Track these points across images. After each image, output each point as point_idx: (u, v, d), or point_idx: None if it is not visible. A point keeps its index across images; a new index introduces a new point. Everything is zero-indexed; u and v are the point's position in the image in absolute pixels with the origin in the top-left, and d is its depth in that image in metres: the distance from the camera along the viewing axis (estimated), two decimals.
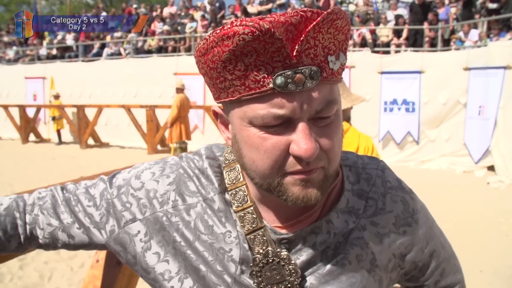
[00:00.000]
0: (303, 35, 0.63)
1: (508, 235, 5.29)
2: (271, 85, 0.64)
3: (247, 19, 0.62)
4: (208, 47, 0.66)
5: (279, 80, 0.64)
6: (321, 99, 0.67)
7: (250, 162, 0.73)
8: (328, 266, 0.81)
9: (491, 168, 8.75)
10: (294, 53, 0.63)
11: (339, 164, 0.84)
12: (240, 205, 0.82)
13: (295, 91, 0.65)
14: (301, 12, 0.63)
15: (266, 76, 0.64)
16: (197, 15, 14.92)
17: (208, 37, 0.66)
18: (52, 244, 0.90)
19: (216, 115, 0.82)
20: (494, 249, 4.83)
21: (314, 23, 0.62)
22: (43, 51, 17.09)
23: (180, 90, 9.77)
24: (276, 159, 0.69)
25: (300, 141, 0.66)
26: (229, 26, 0.63)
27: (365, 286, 0.82)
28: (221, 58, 0.65)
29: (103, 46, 15.97)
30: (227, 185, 0.84)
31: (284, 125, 0.68)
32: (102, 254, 1.58)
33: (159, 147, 11.80)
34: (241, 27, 0.61)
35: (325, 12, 0.63)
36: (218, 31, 0.64)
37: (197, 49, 0.70)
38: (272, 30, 0.61)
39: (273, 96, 0.66)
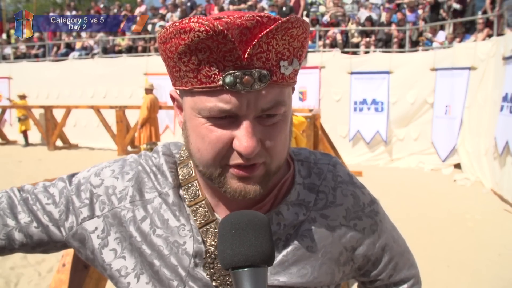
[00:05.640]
0: (256, 40, 0.65)
1: (474, 231, 5.44)
2: (220, 82, 0.67)
3: (203, 17, 0.65)
4: (168, 37, 0.69)
5: (228, 79, 0.67)
6: (269, 100, 0.70)
7: (195, 150, 0.76)
8: (279, 258, 0.83)
9: (457, 166, 9.01)
10: (246, 56, 0.66)
11: (291, 158, 0.89)
12: (192, 199, 0.85)
13: (243, 91, 0.68)
14: (257, 17, 0.65)
15: (217, 73, 0.67)
16: (168, 14, 14.79)
17: (168, 27, 0.68)
18: (8, 245, 0.88)
19: (173, 99, 0.85)
20: (460, 245, 4.97)
21: (268, 30, 0.65)
22: (8, 50, 16.60)
23: (149, 90, 9.65)
24: (219, 151, 0.73)
25: (242, 138, 0.70)
26: (186, 21, 0.65)
27: (316, 278, 0.84)
28: (177, 50, 0.68)
29: (69, 45, 15.64)
30: (180, 181, 0.87)
31: (230, 119, 0.71)
32: (69, 258, 1.55)
33: (129, 148, 11.62)
34: (197, 24, 0.64)
35: (280, 20, 0.66)
36: (177, 24, 0.66)
37: (158, 36, 0.72)
38: (225, 32, 0.63)
39: (221, 92, 0.69)
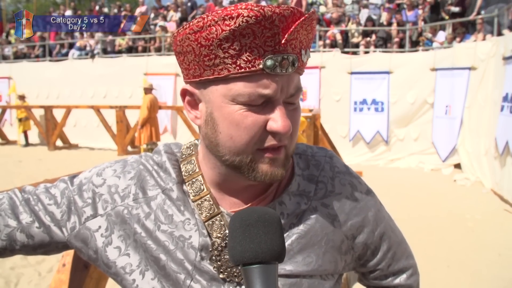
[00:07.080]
0: (292, 27, 0.71)
1: (474, 231, 5.44)
2: (260, 66, 0.71)
3: (251, 3, 0.70)
4: (205, 25, 0.71)
5: (269, 62, 0.71)
6: (294, 85, 0.77)
7: (226, 138, 0.78)
8: None
9: (457, 166, 9.00)
10: (283, 41, 0.71)
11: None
12: (197, 194, 0.87)
13: (280, 74, 0.73)
14: (291, 8, 0.71)
15: (257, 57, 0.71)
16: (169, 15, 14.79)
17: (205, 16, 0.71)
18: (9, 246, 0.88)
19: (184, 94, 0.83)
20: (460, 245, 4.97)
21: (303, 18, 0.71)
22: (8, 51, 16.60)
23: (148, 90, 9.65)
24: (254, 135, 0.76)
25: (279, 119, 0.75)
26: (232, 8, 0.69)
27: (321, 266, 0.87)
28: (218, 36, 0.70)
29: (70, 45, 15.64)
30: (184, 177, 0.89)
31: (263, 104, 0.76)
32: (69, 258, 1.55)
33: (129, 148, 11.62)
34: (246, 10, 0.68)
35: (310, 12, 0.73)
36: (219, 11, 0.70)
37: (187, 27, 0.74)
38: (274, 17, 0.69)
39: (261, 77, 0.73)
